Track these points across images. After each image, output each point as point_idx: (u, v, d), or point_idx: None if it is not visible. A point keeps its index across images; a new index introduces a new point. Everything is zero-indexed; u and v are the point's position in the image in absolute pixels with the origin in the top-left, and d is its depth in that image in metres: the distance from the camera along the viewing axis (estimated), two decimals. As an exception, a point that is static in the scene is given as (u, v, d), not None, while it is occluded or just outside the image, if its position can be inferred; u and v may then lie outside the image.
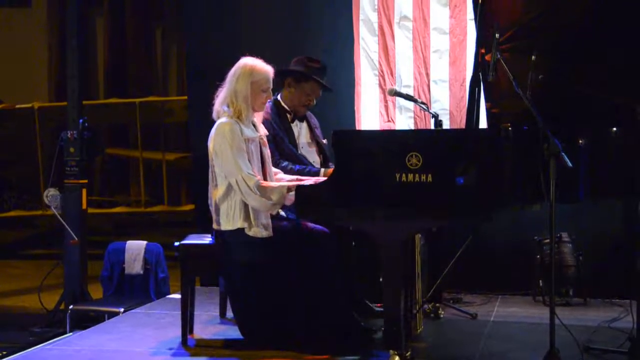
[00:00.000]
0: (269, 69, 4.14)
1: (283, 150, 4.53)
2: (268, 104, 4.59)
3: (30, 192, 12.36)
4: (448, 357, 4.09)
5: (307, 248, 4.01)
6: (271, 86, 4.16)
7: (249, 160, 4.00)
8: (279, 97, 4.68)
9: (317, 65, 4.64)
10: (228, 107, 4.07)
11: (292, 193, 3.84)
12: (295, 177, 4.29)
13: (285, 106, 4.66)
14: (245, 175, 3.93)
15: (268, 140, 4.30)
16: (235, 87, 4.06)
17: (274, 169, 4.30)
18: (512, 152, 3.66)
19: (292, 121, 4.67)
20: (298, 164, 4.50)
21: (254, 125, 4.17)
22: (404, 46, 5.70)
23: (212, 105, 4.16)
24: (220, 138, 3.99)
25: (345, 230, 4.20)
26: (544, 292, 5.17)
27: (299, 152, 4.64)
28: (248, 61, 4.13)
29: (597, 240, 5.35)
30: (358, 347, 4.02)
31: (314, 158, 4.71)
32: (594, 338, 4.18)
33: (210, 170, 4.13)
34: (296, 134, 4.67)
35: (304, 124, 4.75)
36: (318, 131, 4.82)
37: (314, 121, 4.85)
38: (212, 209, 4.12)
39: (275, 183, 4.04)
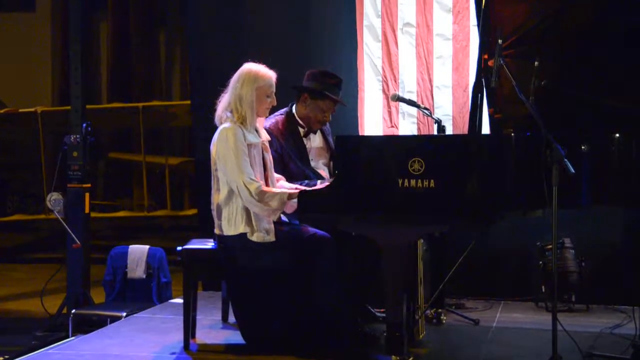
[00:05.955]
0: (272, 75, 4.15)
1: (290, 169, 4.46)
2: (280, 117, 4.56)
3: (33, 196, 12.39)
4: (450, 363, 4.10)
5: (309, 253, 4.00)
6: (274, 90, 4.16)
7: (251, 166, 4.00)
8: (293, 109, 4.61)
9: (332, 82, 4.55)
10: (232, 112, 4.07)
11: (294, 200, 3.84)
12: (296, 185, 4.25)
13: (299, 120, 4.60)
14: (246, 181, 3.92)
15: (272, 158, 4.27)
16: (240, 93, 4.07)
17: (276, 175, 4.29)
18: (515, 157, 3.67)
19: (305, 135, 4.61)
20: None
21: (257, 131, 4.18)
22: (407, 52, 5.71)
23: (215, 110, 4.16)
24: (223, 143, 4.00)
25: (348, 235, 4.19)
26: (546, 298, 5.16)
27: (311, 163, 4.57)
28: (252, 67, 4.13)
29: (600, 246, 5.34)
30: (360, 353, 4.02)
31: (324, 165, 4.67)
32: (597, 344, 4.17)
33: (212, 174, 4.13)
34: (308, 146, 4.60)
35: (317, 134, 4.67)
36: (330, 138, 4.74)
37: (327, 128, 4.76)
38: (214, 213, 4.12)
39: (276, 189, 4.03)
